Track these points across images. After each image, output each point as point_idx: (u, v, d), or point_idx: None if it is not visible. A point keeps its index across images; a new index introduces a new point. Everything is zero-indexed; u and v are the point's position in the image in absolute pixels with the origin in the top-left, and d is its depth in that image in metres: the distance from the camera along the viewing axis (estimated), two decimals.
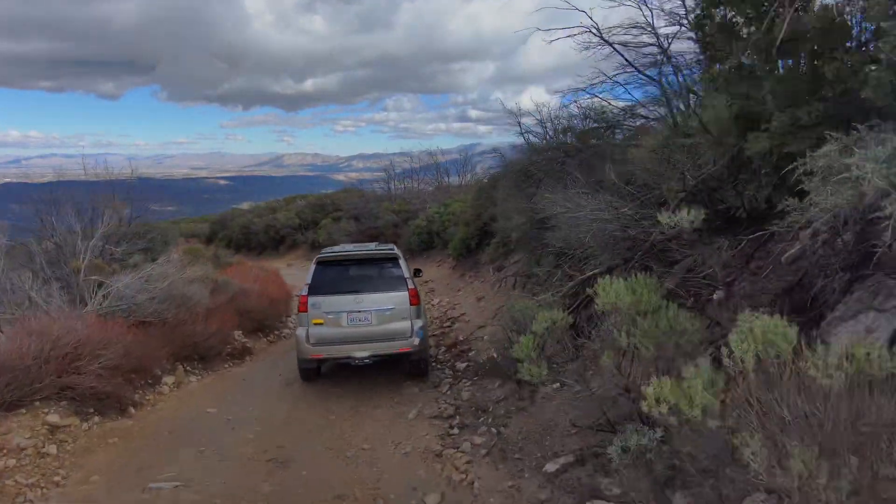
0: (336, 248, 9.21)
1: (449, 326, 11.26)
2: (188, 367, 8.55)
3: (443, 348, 9.67)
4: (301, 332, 7.53)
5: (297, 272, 27.62)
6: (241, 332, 10.56)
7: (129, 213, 13.32)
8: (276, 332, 12.03)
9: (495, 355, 7.48)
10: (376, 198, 31.42)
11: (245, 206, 77.53)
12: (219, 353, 9.23)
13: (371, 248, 9.03)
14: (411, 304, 7.60)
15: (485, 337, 9.40)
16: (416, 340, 7.53)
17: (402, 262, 8.06)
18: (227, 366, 9.33)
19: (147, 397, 7.32)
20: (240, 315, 10.57)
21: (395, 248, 8.77)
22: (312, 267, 7.95)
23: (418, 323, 7.65)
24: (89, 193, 12.24)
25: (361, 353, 7.40)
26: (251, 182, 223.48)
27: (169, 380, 7.89)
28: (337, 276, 7.76)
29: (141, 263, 11.68)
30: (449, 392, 7.41)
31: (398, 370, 8.05)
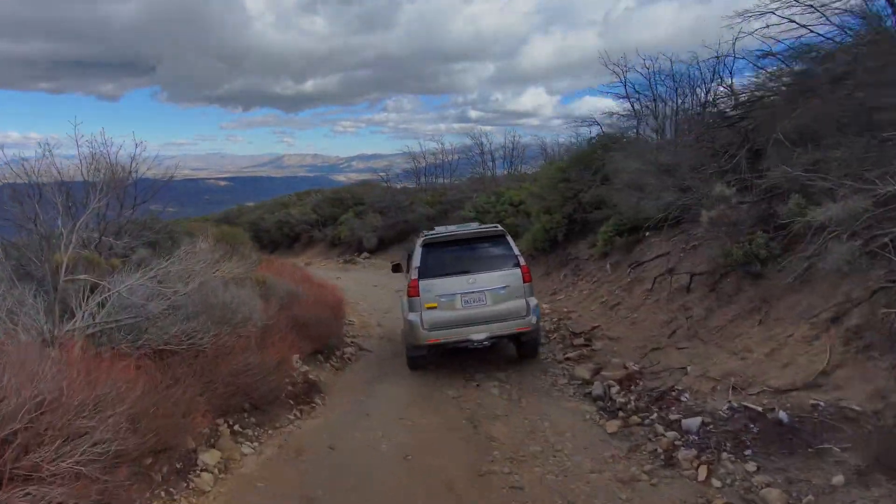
0: (436, 231, 8.36)
1: (587, 345, 7.84)
2: (237, 427, 5.10)
3: (614, 386, 6.23)
4: (413, 317, 7.19)
5: (321, 272, 24.23)
6: (299, 356, 7.10)
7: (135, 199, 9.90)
8: (339, 354, 8.56)
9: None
10: (403, 190, 27.95)
11: (251, 205, 74.12)
12: (277, 395, 5.76)
13: (475, 226, 8.49)
14: (525, 282, 7.35)
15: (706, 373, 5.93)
16: (533, 319, 7.30)
17: (509, 239, 7.76)
18: (291, 416, 5.87)
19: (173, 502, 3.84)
20: (297, 331, 7.11)
21: (500, 226, 8.34)
22: (419, 249, 7.52)
23: (533, 301, 7.43)
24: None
25: (479, 335, 7.12)
26: (251, 183, 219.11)
27: (209, 457, 4.47)
28: (446, 258, 7.40)
29: (149, 259, 8.33)
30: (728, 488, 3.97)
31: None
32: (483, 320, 7.13)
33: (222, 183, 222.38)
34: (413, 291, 7.26)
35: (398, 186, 28.55)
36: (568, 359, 7.65)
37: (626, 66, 13.02)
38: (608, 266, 10.13)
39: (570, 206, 12.77)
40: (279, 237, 32.58)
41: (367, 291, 17.27)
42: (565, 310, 9.92)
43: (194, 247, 7.28)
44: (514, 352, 7.90)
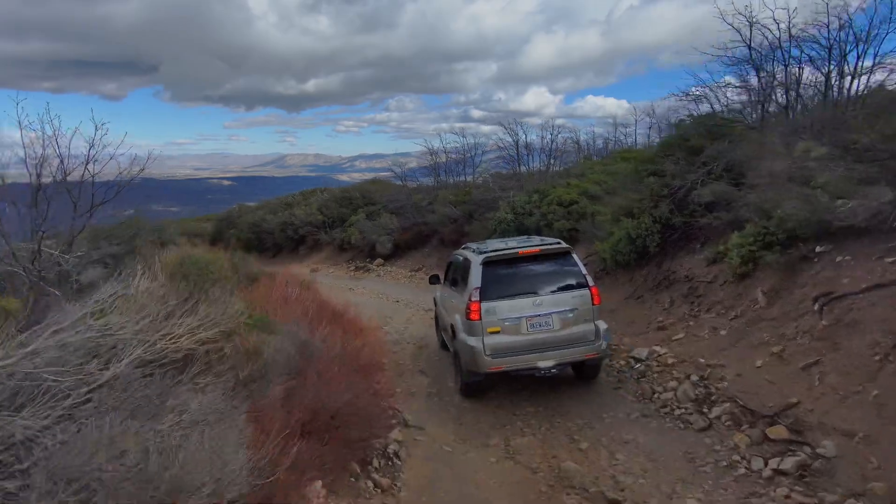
0: (489, 245, 7.47)
1: (797, 442, 4.56)
2: None
3: None
4: (475, 342, 6.50)
5: (329, 281, 20.96)
6: (320, 483, 3.82)
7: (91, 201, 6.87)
8: (382, 448, 5.25)
9: None
10: (419, 189, 24.64)
11: (252, 205, 70.75)
12: None
13: (536, 241, 7.40)
14: (594, 304, 6.68)
15: None
16: (603, 344, 6.64)
17: (576, 256, 7.04)
18: None
19: None
20: (316, 436, 3.83)
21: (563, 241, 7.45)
22: (478, 268, 6.68)
23: (602, 325, 6.77)
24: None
25: (546, 362, 6.42)
26: (254, 183, 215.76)
27: None
28: (508, 277, 6.66)
29: (97, 284, 5.38)
30: None
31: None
32: (550, 346, 6.52)
33: (226, 182, 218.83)
34: (474, 315, 6.55)
35: (412, 185, 25.18)
36: (781, 473, 4.38)
37: (751, 21, 9.69)
38: (759, 295, 6.84)
39: (664, 207, 9.49)
40: (282, 240, 29.32)
41: (389, 310, 13.99)
42: (703, 360, 6.62)
43: (134, 280, 4.02)
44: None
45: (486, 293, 6.55)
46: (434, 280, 9.56)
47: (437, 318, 9.67)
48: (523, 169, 18.56)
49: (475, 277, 6.68)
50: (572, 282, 6.74)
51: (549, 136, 18.27)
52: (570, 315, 6.56)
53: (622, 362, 7.49)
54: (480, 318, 6.51)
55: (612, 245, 10.12)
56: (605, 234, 10.92)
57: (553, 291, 6.64)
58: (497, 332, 6.49)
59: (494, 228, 16.10)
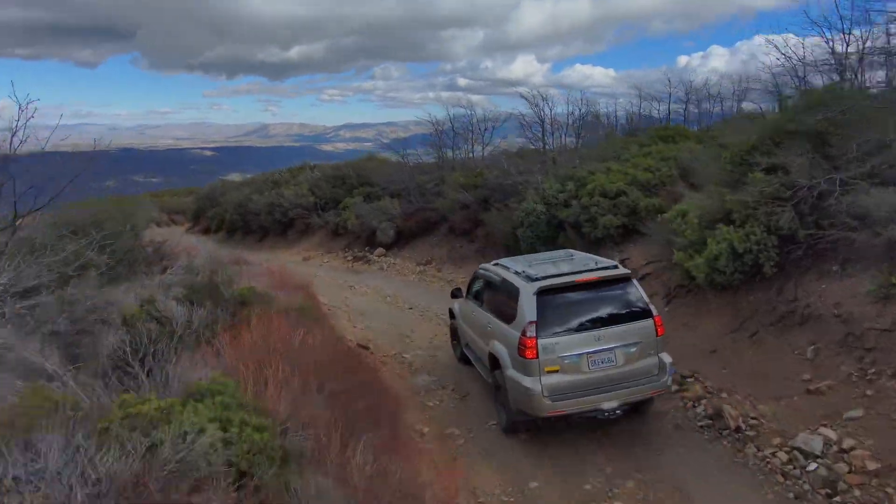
0: (533, 266, 6.56)
1: None
2: None
3: None
4: (531, 383, 5.76)
5: (325, 274, 18.40)
6: None
7: None
8: None
9: None
10: (420, 167, 21.93)
11: (235, 177, 67.03)
12: None
13: (591, 265, 6.45)
14: (658, 336, 5.99)
15: None
16: (669, 380, 6.02)
17: (636, 282, 6.29)
18: None
19: None
20: None
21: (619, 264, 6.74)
22: (531, 299, 5.92)
23: (667, 358, 6.09)
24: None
25: (610, 402, 5.74)
26: (237, 153, 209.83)
27: None
28: (565, 308, 5.97)
29: None
30: None
31: None
32: (614, 384, 5.79)
33: (208, 153, 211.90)
34: (530, 353, 5.77)
35: (411, 163, 22.37)
36: None
37: None
38: None
39: (785, 215, 7.06)
40: (270, 222, 26.55)
41: (404, 322, 11.54)
42: None
43: None
44: None
45: (543, 328, 5.82)
46: (456, 294, 8.73)
47: (453, 330, 8.99)
48: (546, 147, 15.91)
49: (529, 309, 5.91)
50: (634, 311, 6.04)
51: (578, 111, 15.64)
52: (634, 349, 5.92)
53: (780, 454, 5.14)
54: (538, 357, 5.76)
55: (707, 259, 7.70)
56: (685, 241, 8.50)
57: (615, 323, 5.94)
58: (556, 371, 5.80)
59: (521, 221, 13.61)
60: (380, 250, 19.59)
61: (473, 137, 21.16)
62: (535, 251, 13.39)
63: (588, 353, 5.80)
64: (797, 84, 11.46)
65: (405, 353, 9.42)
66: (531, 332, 5.81)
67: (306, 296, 11.15)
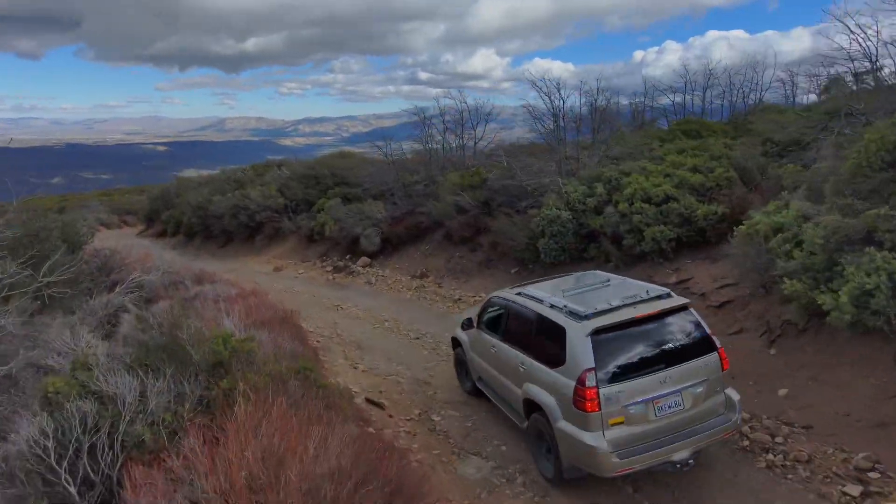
0: (573, 298, 5.76)
1: None
2: None
3: None
4: (593, 440, 4.96)
5: (303, 288, 15.85)
6: None
7: None
8: None
9: None
10: (404, 165, 19.53)
11: (191, 174, 62.71)
12: None
13: (640, 294, 5.58)
14: (723, 370, 5.33)
15: None
16: (739, 419, 5.34)
17: (695, 311, 5.54)
18: None
19: None
20: None
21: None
22: (585, 341, 5.10)
23: (734, 395, 5.39)
24: None
25: (681, 453, 5.00)
26: (191, 148, 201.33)
27: None
28: (624, 349, 5.18)
29: None
30: None
31: None
32: (683, 431, 5.08)
33: (161, 148, 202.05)
34: (591, 405, 4.95)
35: (393, 160, 19.90)
36: None
37: None
38: None
39: None
40: (234, 226, 23.70)
41: (414, 360, 9.27)
42: None
43: None
44: None
45: (605, 373, 5.05)
46: (468, 325, 7.41)
47: (458, 361, 7.98)
48: (562, 143, 13.76)
49: (583, 354, 5.12)
50: (698, 345, 5.35)
51: (594, 102, 13.51)
52: (701, 389, 5.24)
53: None
54: (600, 409, 4.97)
55: (851, 295, 5.69)
56: (798, 266, 6.51)
57: (679, 361, 5.22)
58: (620, 423, 5.03)
59: (542, 230, 11.48)
60: (364, 260, 17.18)
61: (463, 132, 18.88)
62: (559, 267, 11.35)
63: (654, 398, 5.06)
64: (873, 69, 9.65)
65: (433, 414, 7.16)
66: (590, 381, 4.99)
67: (297, 336, 8.76)
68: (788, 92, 18.00)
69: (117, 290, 11.56)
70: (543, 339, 5.67)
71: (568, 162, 12.98)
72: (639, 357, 5.18)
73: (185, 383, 5.41)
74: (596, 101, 13.32)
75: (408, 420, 6.99)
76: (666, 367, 5.14)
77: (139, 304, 11.22)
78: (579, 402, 5.03)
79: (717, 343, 5.42)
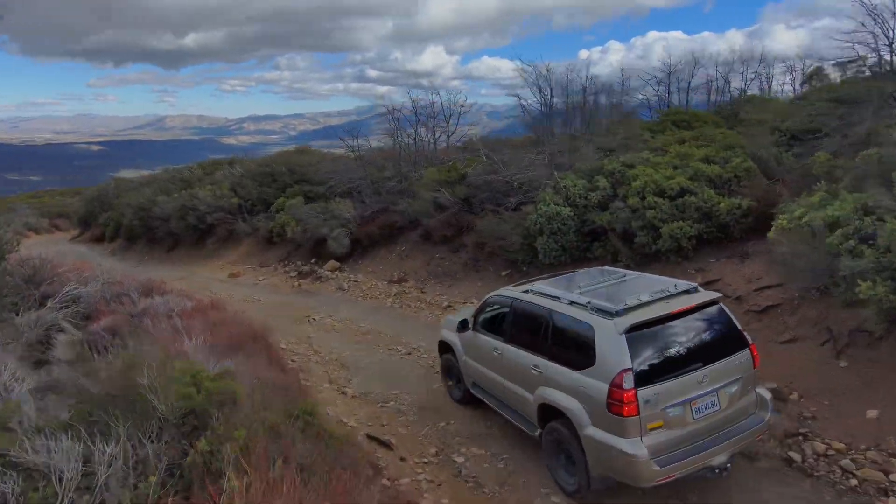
0: (566, 288, 5.63)
1: None
2: None
3: None
4: (631, 447, 4.51)
5: (265, 297, 14.20)
6: None
7: None
8: None
9: None
10: (373, 162, 18.09)
11: (129, 174, 58.62)
12: None
13: (668, 288, 5.21)
14: (754, 367, 5.03)
15: None
16: (771, 417, 5.04)
17: (723, 305, 5.20)
18: None
19: None
20: None
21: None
22: (619, 339, 4.67)
23: (766, 393, 5.16)
24: None
25: (719, 456, 4.69)
26: (129, 147, 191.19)
27: None
28: (660, 347, 4.78)
29: None
30: None
31: None
32: (719, 434, 4.77)
33: (95, 147, 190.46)
34: (629, 409, 4.49)
35: (354, 155, 18.40)
36: None
37: None
38: None
39: None
40: (182, 229, 21.66)
41: (412, 377, 8.00)
42: None
43: None
44: None
45: (643, 375, 4.56)
46: (464, 326, 6.77)
47: (447, 368, 7.34)
48: (554, 135, 12.72)
49: (617, 353, 4.62)
50: (729, 342, 4.97)
51: (584, 91, 12.50)
52: (735, 388, 4.87)
53: None
54: (639, 413, 4.50)
55: None
56: (872, 266, 5.64)
57: (714, 359, 4.82)
58: (659, 428, 4.57)
59: (540, 228, 10.40)
60: (332, 263, 15.66)
61: (434, 125, 17.61)
62: (559, 268, 10.29)
63: (691, 399, 4.71)
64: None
65: (454, 454, 5.90)
66: (628, 383, 4.56)
67: (274, 360, 7.33)
68: (764, 84, 17.72)
69: (49, 304, 9.81)
70: (563, 340, 5.24)
71: (561, 155, 11.94)
72: (675, 355, 4.79)
73: (148, 444, 3.98)
74: (586, 89, 12.29)
75: (425, 463, 5.71)
76: (703, 366, 4.78)
77: (76, 322, 9.51)
78: (615, 406, 4.59)
79: (749, 339, 5.10)
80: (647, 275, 6.09)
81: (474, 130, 18.03)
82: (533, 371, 5.45)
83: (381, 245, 15.55)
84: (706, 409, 4.77)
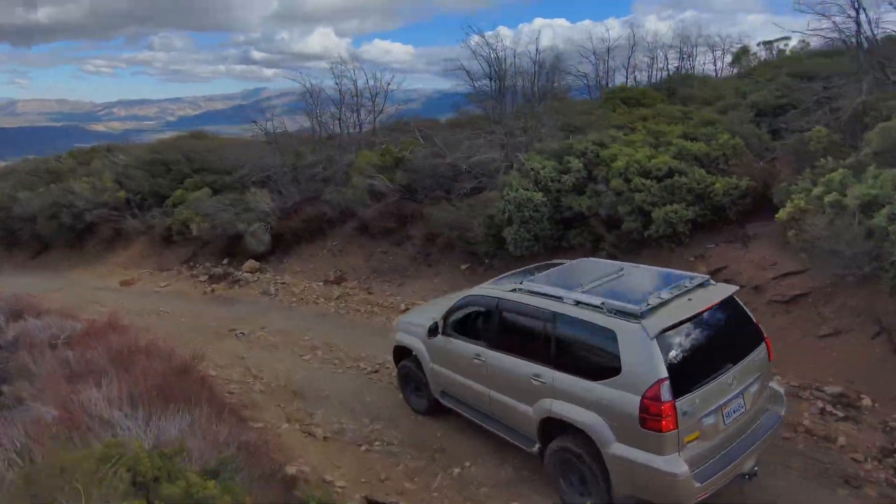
0: (563, 285, 5.05)
1: None
2: None
3: None
4: (669, 464, 4.05)
5: (171, 307, 11.83)
6: None
7: None
8: None
9: None
10: (290, 147, 15.97)
11: None
12: None
13: (683, 282, 4.74)
14: (769, 360, 4.78)
15: None
16: (784, 412, 4.84)
17: (736, 297, 4.85)
18: None
19: None
20: None
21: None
22: (650, 345, 4.13)
23: (779, 386, 4.97)
24: None
25: (749, 461, 4.43)
26: None
27: None
28: (690, 350, 4.37)
29: None
30: None
31: None
32: (745, 437, 4.48)
33: None
34: (667, 423, 4.02)
35: (268, 140, 16.20)
36: None
37: None
38: None
39: None
40: (52, 230, 18.11)
41: (386, 403, 6.53)
42: None
43: None
44: None
45: (680, 383, 4.07)
46: (433, 331, 5.94)
47: (405, 377, 6.52)
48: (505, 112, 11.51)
49: (649, 361, 4.07)
50: (747, 338, 4.67)
51: (537, 65, 11.41)
52: (756, 386, 4.59)
53: None
54: (677, 427, 4.01)
55: None
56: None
57: (738, 358, 4.49)
58: (696, 439, 4.15)
59: (508, 217, 9.21)
60: (251, 263, 13.54)
61: (358, 105, 15.81)
62: (530, 259, 9.19)
63: (723, 404, 4.32)
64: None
65: None
66: (665, 394, 4.01)
67: (217, 405, 5.58)
68: (686, 64, 17.80)
69: None
70: (573, 346, 4.73)
71: (518, 134, 10.80)
72: (705, 357, 4.44)
73: None
74: (536, 62, 11.22)
75: None
76: (732, 366, 4.45)
77: None
78: (651, 420, 4.10)
79: (763, 331, 4.83)
80: (645, 266, 5.62)
81: (401, 109, 16.46)
82: (533, 381, 4.87)
83: (308, 240, 13.66)
84: (735, 412, 4.42)
